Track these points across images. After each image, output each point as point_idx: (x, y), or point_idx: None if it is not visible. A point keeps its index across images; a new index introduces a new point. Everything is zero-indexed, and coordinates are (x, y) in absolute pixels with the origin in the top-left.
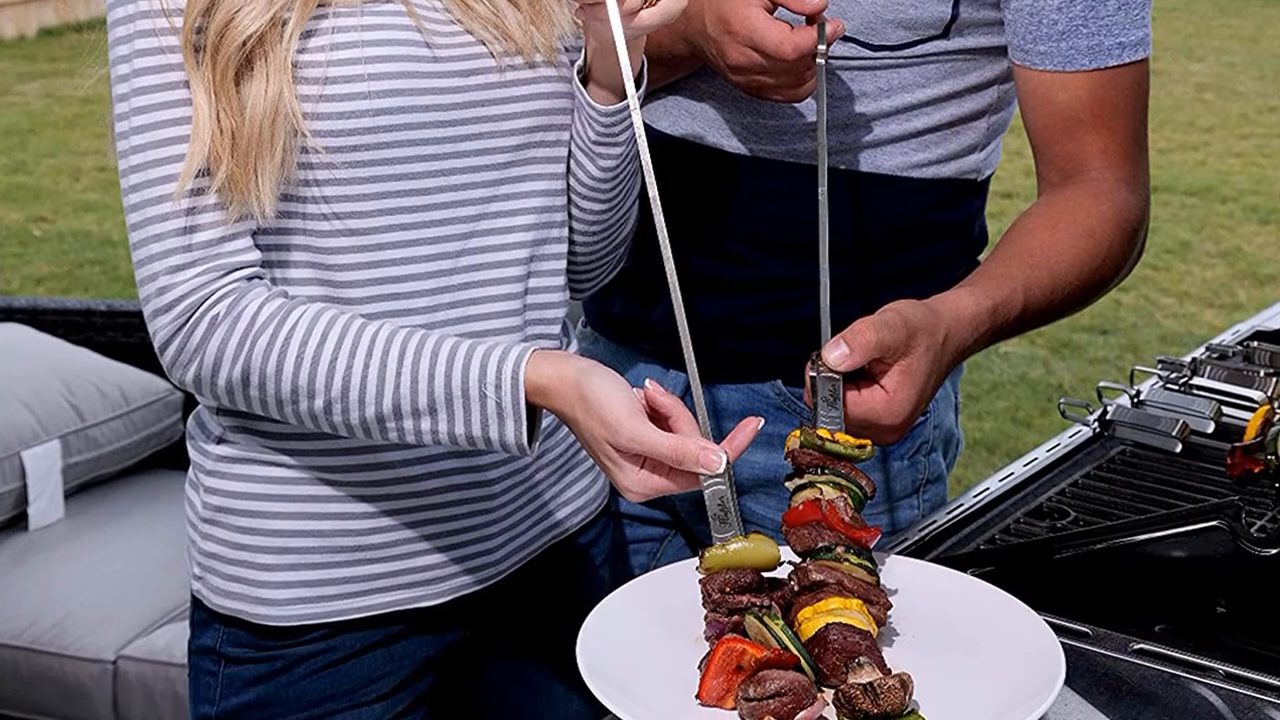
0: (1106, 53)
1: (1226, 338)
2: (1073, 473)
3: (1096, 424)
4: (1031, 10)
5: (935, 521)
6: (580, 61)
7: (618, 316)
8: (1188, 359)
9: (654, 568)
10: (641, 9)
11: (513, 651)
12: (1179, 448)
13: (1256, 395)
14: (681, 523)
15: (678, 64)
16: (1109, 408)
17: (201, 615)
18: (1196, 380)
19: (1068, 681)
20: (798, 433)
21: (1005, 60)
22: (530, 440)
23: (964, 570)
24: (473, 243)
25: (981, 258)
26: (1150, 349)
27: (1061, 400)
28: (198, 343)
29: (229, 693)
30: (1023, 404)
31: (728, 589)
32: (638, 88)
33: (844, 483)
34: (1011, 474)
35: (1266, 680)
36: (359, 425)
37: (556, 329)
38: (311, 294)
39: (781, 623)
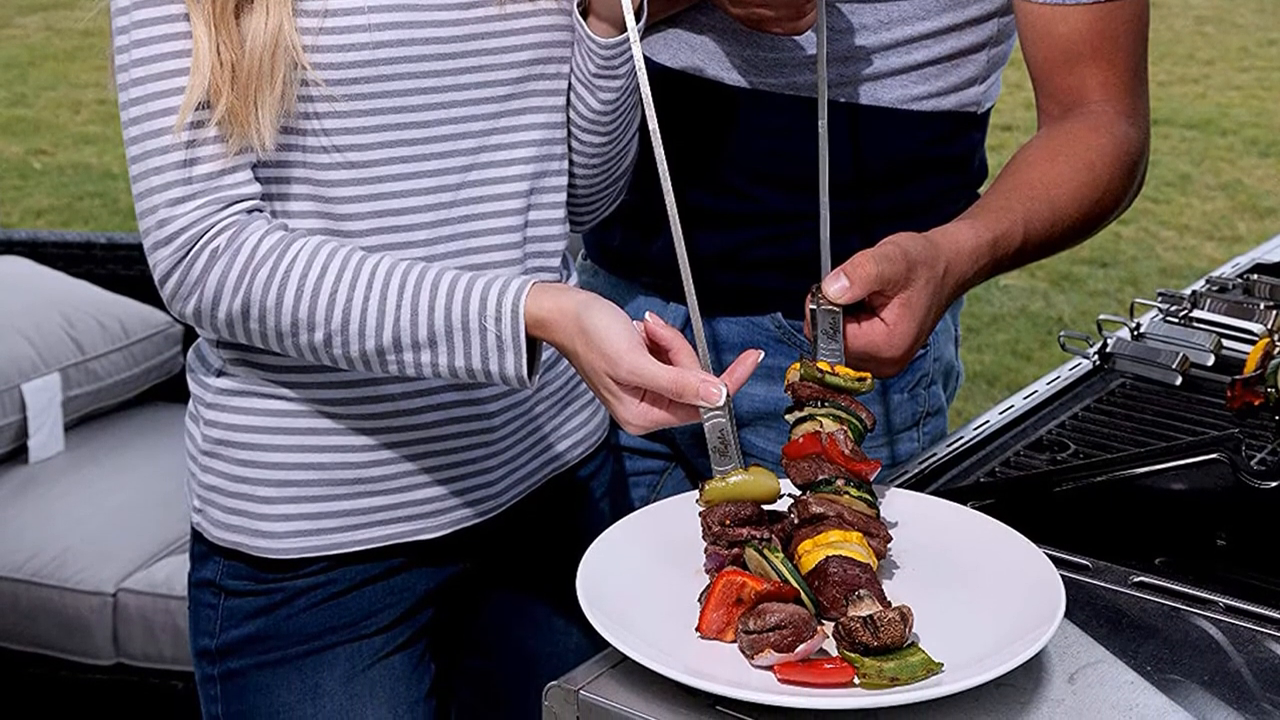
0: None
1: (1226, 270)
2: (1073, 405)
3: (1096, 357)
4: None
5: (935, 454)
6: None
7: (618, 249)
8: (1188, 292)
9: (654, 500)
10: None
11: (513, 584)
12: (1179, 381)
13: (1256, 328)
14: (681, 455)
15: None
16: (1109, 341)
17: (201, 548)
18: (1196, 313)
19: (1068, 614)
20: (798, 365)
21: None
22: (530, 373)
23: (964, 503)
24: (473, 175)
25: (981, 191)
26: (1150, 282)
27: (1061, 333)
28: (198, 275)
29: (229, 625)
30: (1023, 337)
31: (728, 522)
32: (638, 20)
33: (844, 415)
34: (1011, 407)
35: (1266, 613)
36: (359, 358)
37: (556, 262)
38: (312, 227)
39: (781, 555)
